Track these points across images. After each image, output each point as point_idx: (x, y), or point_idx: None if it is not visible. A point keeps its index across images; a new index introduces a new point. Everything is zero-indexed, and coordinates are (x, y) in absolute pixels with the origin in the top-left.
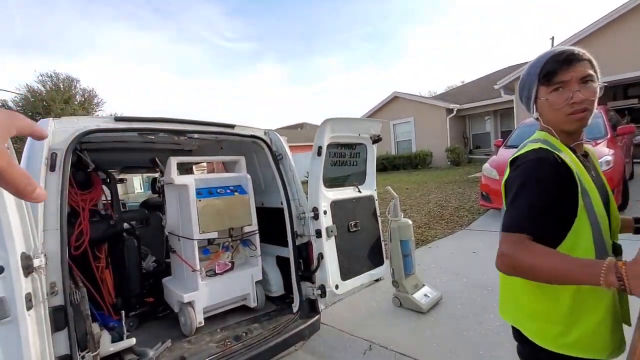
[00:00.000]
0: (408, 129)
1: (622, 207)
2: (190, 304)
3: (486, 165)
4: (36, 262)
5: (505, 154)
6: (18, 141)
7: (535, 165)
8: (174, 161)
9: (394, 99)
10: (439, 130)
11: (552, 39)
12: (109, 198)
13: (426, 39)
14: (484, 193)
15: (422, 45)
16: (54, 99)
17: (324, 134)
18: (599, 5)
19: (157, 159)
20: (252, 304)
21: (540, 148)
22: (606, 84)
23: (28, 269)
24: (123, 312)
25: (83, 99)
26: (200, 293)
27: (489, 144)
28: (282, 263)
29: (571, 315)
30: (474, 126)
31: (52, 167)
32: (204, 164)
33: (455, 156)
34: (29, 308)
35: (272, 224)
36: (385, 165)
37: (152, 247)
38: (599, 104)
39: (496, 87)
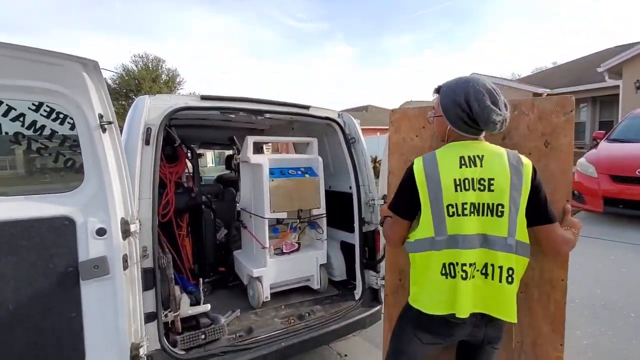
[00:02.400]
0: None
1: None
2: (258, 278)
3: (582, 160)
4: (132, 227)
5: (609, 149)
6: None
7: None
8: (250, 140)
9: None
10: None
11: None
12: (191, 172)
13: (511, 14)
14: (575, 192)
15: (505, 22)
16: (144, 77)
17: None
18: None
19: (234, 137)
20: (316, 286)
21: (415, 160)
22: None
23: (126, 232)
24: (201, 280)
25: (167, 78)
26: (268, 269)
27: (583, 136)
28: (347, 249)
29: (414, 279)
30: None
31: (147, 141)
32: (269, 145)
33: None
34: (125, 268)
35: (338, 208)
36: None
37: (225, 220)
38: None
39: (600, 69)
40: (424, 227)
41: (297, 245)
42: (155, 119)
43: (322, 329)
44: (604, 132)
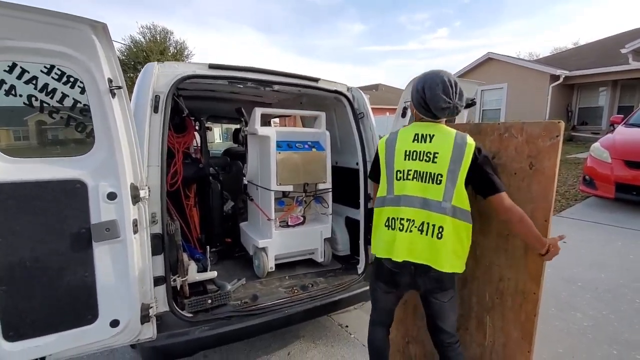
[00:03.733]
0: (499, 97)
1: None
2: (264, 249)
3: (596, 145)
4: (142, 193)
5: (626, 134)
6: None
7: None
8: (258, 112)
9: (487, 60)
10: (538, 100)
11: None
12: (199, 143)
13: None
14: (587, 177)
15: (521, 2)
16: (151, 49)
17: (408, 96)
18: None
19: (242, 109)
20: (319, 259)
21: (384, 136)
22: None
23: (135, 198)
24: (208, 247)
25: (175, 51)
26: (273, 241)
27: (600, 121)
28: (351, 224)
29: (373, 231)
30: (583, 98)
31: (155, 109)
32: (276, 119)
33: None
34: (135, 232)
35: (344, 184)
36: None
37: (232, 192)
38: None
39: (624, 51)
40: (381, 188)
41: (302, 218)
42: (163, 86)
43: (325, 300)
44: (622, 116)
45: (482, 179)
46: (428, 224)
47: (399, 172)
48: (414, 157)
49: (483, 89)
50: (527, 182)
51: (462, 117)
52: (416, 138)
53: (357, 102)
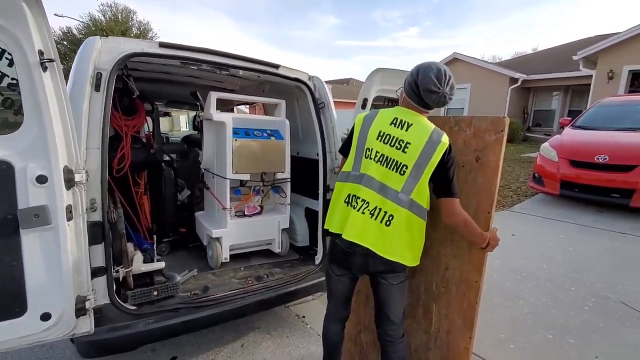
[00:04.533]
0: (462, 96)
1: None
2: (218, 239)
3: (545, 145)
4: (77, 177)
5: (572, 135)
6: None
7: None
8: (214, 96)
9: (453, 60)
10: (497, 101)
11: None
12: (152, 128)
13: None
14: (536, 175)
15: (493, 5)
16: (112, 29)
17: (372, 85)
18: None
19: (198, 93)
20: (277, 249)
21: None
22: None
23: (69, 182)
24: (155, 237)
25: (139, 32)
26: (228, 231)
27: (552, 123)
28: (311, 215)
29: (331, 205)
30: (538, 101)
31: (97, 87)
32: (247, 107)
33: (511, 132)
34: (69, 219)
35: (305, 175)
36: None
37: (188, 181)
38: None
39: (575, 57)
40: (348, 163)
41: (259, 208)
42: (106, 63)
43: (279, 290)
44: (570, 118)
45: (442, 180)
46: (380, 209)
47: (368, 150)
48: (386, 141)
49: None
50: (474, 175)
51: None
52: (394, 122)
53: (319, 91)
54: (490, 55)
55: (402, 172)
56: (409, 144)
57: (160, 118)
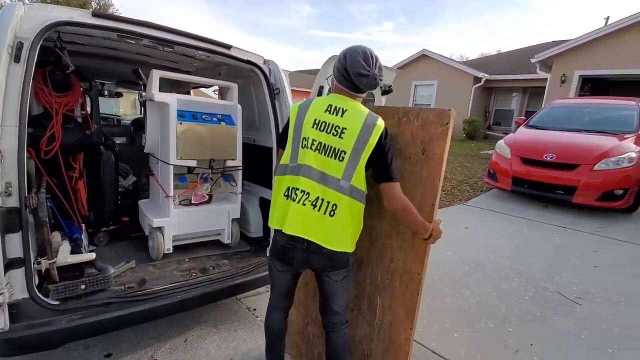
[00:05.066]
0: (430, 92)
1: (631, 209)
2: (159, 229)
3: (501, 142)
4: None
5: (525, 134)
6: None
7: None
8: (156, 75)
9: (422, 57)
10: (462, 99)
11: (607, 19)
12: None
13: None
14: (491, 171)
15: (464, 3)
16: (68, 2)
17: (328, 72)
18: None
19: (140, 71)
20: (226, 240)
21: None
22: None
23: None
24: (88, 226)
25: (98, 7)
26: (171, 220)
27: (510, 122)
28: (265, 205)
29: (272, 200)
30: (499, 101)
31: (16, 58)
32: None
33: (472, 129)
34: None
35: (261, 163)
36: None
37: (135, 166)
38: (636, 96)
39: (533, 60)
40: (285, 155)
41: (207, 196)
42: (29, 31)
43: (225, 283)
44: (524, 118)
45: (381, 164)
46: (322, 200)
47: (304, 140)
48: (322, 128)
49: (417, 83)
50: (419, 166)
51: (381, 104)
52: (328, 109)
53: (274, 76)
54: (459, 54)
55: (340, 159)
56: (345, 129)
57: (117, 100)
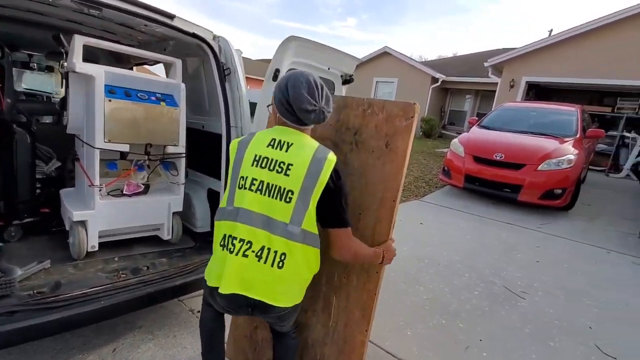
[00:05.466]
0: (390, 90)
1: (568, 207)
2: (82, 223)
3: (455, 141)
4: None
5: (477, 133)
6: None
7: None
8: (79, 41)
9: (384, 54)
10: (420, 98)
11: (550, 31)
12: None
13: (432, 2)
14: (445, 168)
15: (424, 5)
16: None
17: (285, 55)
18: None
19: (62, 36)
20: (166, 236)
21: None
22: None
23: None
24: None
25: None
26: (96, 213)
27: (463, 123)
28: (214, 197)
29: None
30: (453, 101)
31: None
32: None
33: (429, 128)
34: None
35: (210, 151)
36: None
37: (61, 150)
38: (576, 102)
39: (486, 64)
40: (225, 197)
41: (143, 187)
42: None
43: (163, 284)
44: (477, 118)
45: (332, 205)
46: (269, 249)
47: (242, 179)
48: (264, 165)
49: (378, 80)
50: (382, 160)
51: (341, 93)
52: (272, 143)
53: (224, 54)
54: (418, 55)
55: (287, 200)
56: (291, 165)
57: (53, 76)
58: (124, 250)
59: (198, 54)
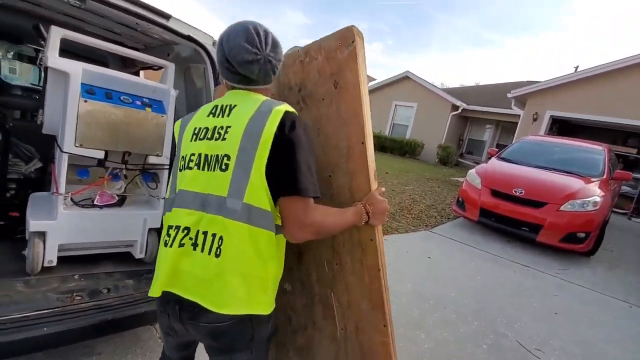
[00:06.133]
0: (409, 114)
1: (590, 252)
2: (40, 234)
3: (472, 172)
4: None
5: (497, 166)
6: None
7: None
8: (55, 33)
9: (405, 78)
10: (438, 125)
11: (576, 67)
12: None
13: (456, 31)
14: (460, 199)
15: (450, 35)
16: None
17: None
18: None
19: (42, 27)
20: (138, 254)
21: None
22: None
23: None
24: None
25: None
26: (57, 224)
27: (482, 153)
28: None
29: None
30: (472, 130)
31: None
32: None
33: (445, 155)
34: None
35: None
36: (374, 145)
37: (45, 150)
38: (600, 141)
39: (509, 95)
40: (168, 186)
41: (116, 198)
42: None
43: (122, 312)
44: (497, 149)
45: (281, 169)
46: (205, 233)
47: (182, 159)
48: (203, 136)
49: (397, 103)
50: (336, 105)
51: None
52: (213, 111)
53: None
54: (439, 82)
55: (224, 167)
56: (229, 127)
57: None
58: (87, 267)
59: (198, 61)
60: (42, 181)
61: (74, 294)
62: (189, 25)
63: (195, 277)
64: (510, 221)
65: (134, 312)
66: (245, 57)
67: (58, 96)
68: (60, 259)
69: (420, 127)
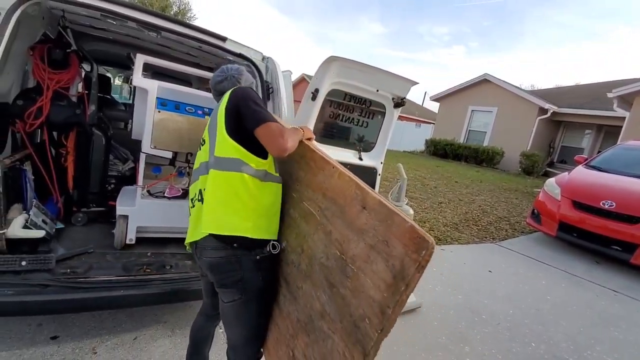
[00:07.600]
0: (487, 120)
1: None
2: (124, 217)
3: (551, 181)
4: None
5: (582, 174)
6: None
7: None
8: (140, 59)
9: (483, 81)
10: (522, 130)
11: None
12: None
13: (550, 28)
14: (535, 211)
15: (545, 32)
16: (152, 4)
17: (326, 75)
18: None
19: (132, 55)
20: None
21: None
22: None
23: None
24: (60, 203)
25: (178, 10)
26: (136, 210)
27: None
28: None
29: None
30: (568, 137)
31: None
32: None
33: (530, 164)
34: None
35: None
36: (447, 152)
37: (134, 153)
38: None
39: (610, 95)
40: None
41: (181, 191)
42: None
43: (178, 285)
44: (586, 157)
45: (241, 116)
46: (201, 191)
47: (202, 142)
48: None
49: (474, 108)
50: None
51: (393, 117)
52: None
53: (270, 74)
54: (529, 84)
55: (202, 142)
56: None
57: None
58: (157, 247)
59: (252, 73)
60: (134, 178)
61: (145, 267)
62: (241, 45)
63: (197, 221)
64: (598, 238)
65: (190, 287)
66: (216, 79)
67: (141, 108)
68: (138, 240)
69: (500, 133)
